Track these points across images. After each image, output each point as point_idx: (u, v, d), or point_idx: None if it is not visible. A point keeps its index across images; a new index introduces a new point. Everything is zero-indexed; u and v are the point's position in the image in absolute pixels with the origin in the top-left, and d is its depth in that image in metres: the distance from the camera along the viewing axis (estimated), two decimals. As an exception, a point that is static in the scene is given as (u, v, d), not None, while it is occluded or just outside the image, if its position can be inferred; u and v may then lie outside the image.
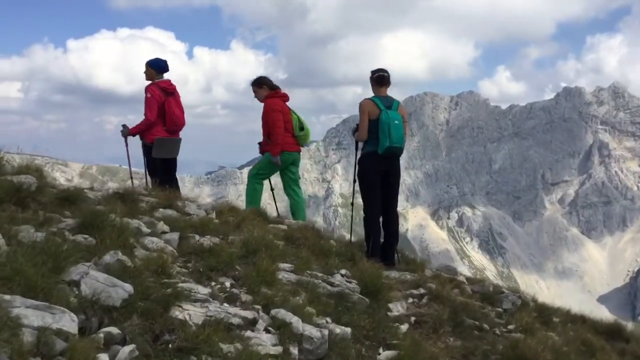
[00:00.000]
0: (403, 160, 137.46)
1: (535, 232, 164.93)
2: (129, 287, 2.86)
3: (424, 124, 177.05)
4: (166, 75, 8.70)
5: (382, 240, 7.42)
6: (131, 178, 9.27)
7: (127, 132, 8.69)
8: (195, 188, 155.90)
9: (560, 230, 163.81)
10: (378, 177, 7.39)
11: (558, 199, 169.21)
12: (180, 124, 8.68)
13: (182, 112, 8.75)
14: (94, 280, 2.82)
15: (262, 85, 8.79)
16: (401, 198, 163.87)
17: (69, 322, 2.36)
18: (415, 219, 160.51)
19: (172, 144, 8.73)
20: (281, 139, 8.81)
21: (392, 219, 7.61)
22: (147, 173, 8.88)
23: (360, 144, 7.70)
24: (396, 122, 7.12)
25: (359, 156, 7.63)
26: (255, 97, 8.85)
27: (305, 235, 5.89)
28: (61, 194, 4.34)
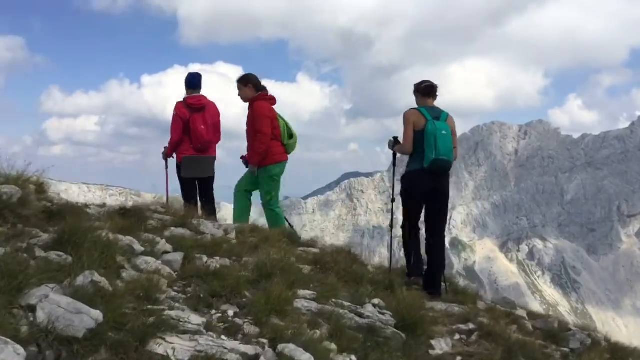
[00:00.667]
0: (470, 190, 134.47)
1: (611, 267, 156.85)
2: (97, 314, 2.37)
3: (491, 153, 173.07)
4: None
5: (425, 267, 6.87)
6: (167, 200, 8.70)
7: (165, 153, 8.49)
8: (260, 218, 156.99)
9: (638, 264, 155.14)
10: (423, 196, 6.75)
11: (635, 231, 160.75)
12: (205, 141, 8.13)
13: (210, 129, 8.21)
14: (54, 305, 2.32)
15: (247, 84, 7.98)
16: (468, 229, 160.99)
17: (11, 356, 1.92)
18: (483, 251, 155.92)
19: (202, 163, 8.31)
20: (266, 148, 7.84)
21: (438, 244, 6.97)
22: (182, 195, 8.53)
23: (403, 159, 7.09)
24: (444, 132, 6.48)
25: (402, 173, 6.99)
26: (239, 95, 8.02)
27: (336, 259, 5.22)
28: (50, 207, 3.88)
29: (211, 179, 8.63)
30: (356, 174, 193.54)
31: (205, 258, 3.96)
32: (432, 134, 6.44)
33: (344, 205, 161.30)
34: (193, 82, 8.35)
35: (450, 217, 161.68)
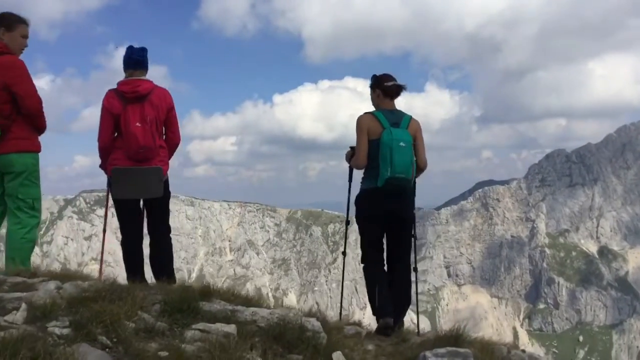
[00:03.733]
0: (618, 194, 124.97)
1: None
2: None
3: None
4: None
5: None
6: (101, 259, 6.80)
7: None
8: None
9: None
10: (380, 221, 5.79)
11: None
12: (140, 146, 5.56)
13: (150, 128, 5.62)
14: None
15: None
16: (618, 237, 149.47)
17: None
18: (636, 260, 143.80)
19: (138, 177, 5.69)
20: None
21: (401, 278, 5.93)
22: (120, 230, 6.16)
23: (358, 175, 6.00)
24: (401, 144, 5.49)
25: (357, 192, 5.96)
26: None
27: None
28: None
29: (160, 203, 6.03)
30: (490, 182, 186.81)
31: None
32: (387, 146, 5.48)
33: (478, 215, 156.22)
34: (133, 58, 5.80)
35: (598, 225, 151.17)
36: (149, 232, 6.13)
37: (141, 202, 5.99)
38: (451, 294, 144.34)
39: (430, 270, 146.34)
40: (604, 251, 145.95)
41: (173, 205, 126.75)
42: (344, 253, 6.77)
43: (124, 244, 6.13)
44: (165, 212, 6.19)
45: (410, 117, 5.86)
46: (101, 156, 5.94)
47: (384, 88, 5.86)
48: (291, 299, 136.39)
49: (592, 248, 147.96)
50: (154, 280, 5.58)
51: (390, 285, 5.79)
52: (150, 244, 6.12)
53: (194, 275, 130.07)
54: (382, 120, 5.64)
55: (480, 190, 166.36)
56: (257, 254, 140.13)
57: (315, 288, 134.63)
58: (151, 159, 5.71)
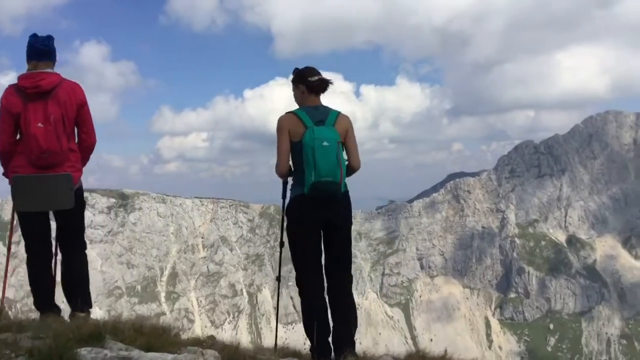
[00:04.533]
0: (585, 184, 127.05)
1: None
2: None
3: (607, 144, 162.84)
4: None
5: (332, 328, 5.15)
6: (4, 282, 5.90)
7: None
8: (365, 223, 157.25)
9: None
10: (313, 233, 5.15)
11: None
12: (43, 150, 4.82)
13: (55, 129, 4.86)
14: None
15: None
16: (586, 226, 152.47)
17: None
18: (603, 249, 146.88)
19: (41, 186, 4.93)
20: None
21: (341, 296, 5.29)
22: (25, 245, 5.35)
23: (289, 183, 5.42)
24: (325, 143, 4.92)
25: (286, 203, 5.35)
26: None
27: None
28: None
29: (73, 215, 5.29)
30: (461, 174, 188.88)
31: None
32: (309, 147, 4.90)
33: (450, 207, 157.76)
34: (35, 47, 5.03)
35: (566, 214, 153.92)
36: (61, 250, 5.53)
37: (51, 215, 5.24)
38: (424, 285, 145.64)
39: (403, 262, 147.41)
40: (572, 240, 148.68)
41: (144, 202, 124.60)
42: (277, 278, 6.14)
43: (30, 264, 5.41)
44: (80, 226, 5.55)
45: (339, 113, 5.31)
46: (1, 163, 5.11)
47: (308, 83, 5.33)
48: (265, 295, 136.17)
49: (560, 237, 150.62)
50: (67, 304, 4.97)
51: (332, 309, 5.18)
52: (62, 263, 5.52)
53: (166, 273, 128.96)
54: (304, 119, 5.09)
55: (451, 182, 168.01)
56: (231, 250, 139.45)
57: (290, 283, 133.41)
58: (58, 164, 4.96)
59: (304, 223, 5.13)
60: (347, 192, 5.30)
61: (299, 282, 5.23)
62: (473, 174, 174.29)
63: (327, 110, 5.31)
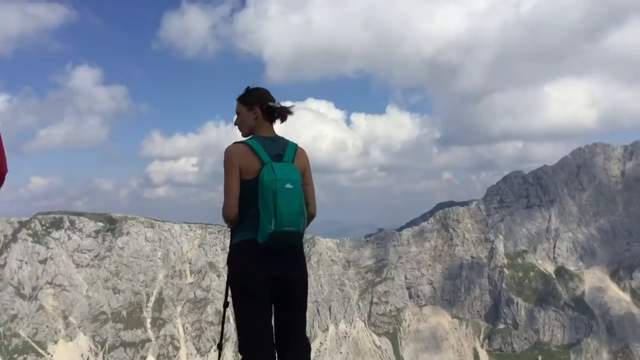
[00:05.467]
0: (574, 216, 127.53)
1: None
2: None
3: (595, 176, 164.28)
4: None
5: None
6: None
7: None
8: (354, 251, 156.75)
9: None
10: (263, 290, 4.28)
11: None
12: None
13: None
14: None
15: None
16: (574, 257, 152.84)
17: None
18: (591, 281, 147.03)
19: None
20: None
21: None
22: None
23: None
24: (288, 186, 4.16)
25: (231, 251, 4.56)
26: None
27: None
28: None
29: None
30: (450, 203, 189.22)
31: None
32: (269, 189, 4.11)
33: (439, 236, 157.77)
34: None
35: (555, 245, 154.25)
36: None
37: None
38: (412, 315, 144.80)
39: (391, 291, 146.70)
40: (560, 271, 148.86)
41: (132, 227, 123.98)
42: (219, 346, 5.48)
43: None
44: None
45: (297, 146, 4.57)
46: None
47: (269, 107, 4.63)
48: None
49: (549, 268, 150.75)
50: None
51: None
52: None
53: (152, 298, 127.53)
54: (259, 152, 4.31)
55: (440, 211, 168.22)
56: (218, 276, 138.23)
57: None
58: None
59: (254, 278, 4.25)
60: (302, 241, 4.62)
61: (243, 349, 4.35)
62: (462, 204, 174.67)
63: (284, 142, 4.54)
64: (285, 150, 4.44)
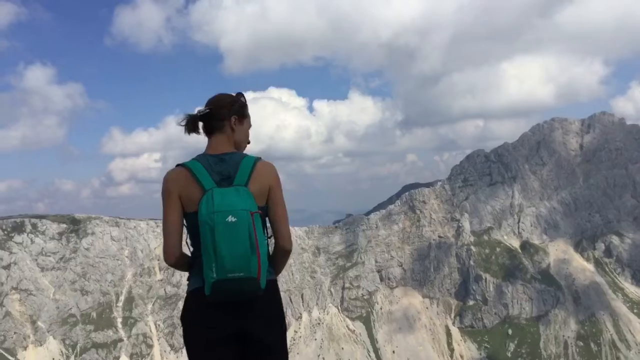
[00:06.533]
0: (536, 190, 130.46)
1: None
2: None
3: (555, 151, 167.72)
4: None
5: None
6: None
7: None
8: (323, 237, 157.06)
9: None
10: (221, 353, 3.60)
11: None
12: None
13: None
14: None
15: None
16: (538, 231, 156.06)
17: None
18: (556, 253, 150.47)
19: None
20: None
21: None
22: None
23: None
24: (230, 219, 3.35)
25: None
26: None
27: None
28: None
29: None
30: (416, 185, 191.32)
31: None
32: (206, 227, 3.40)
33: (406, 218, 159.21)
34: None
35: (519, 221, 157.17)
36: None
37: None
38: (384, 297, 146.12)
39: (363, 275, 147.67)
40: (526, 246, 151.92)
41: (97, 227, 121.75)
42: None
43: None
44: None
45: (255, 162, 3.69)
46: None
47: (191, 119, 3.94)
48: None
49: (515, 243, 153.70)
50: None
51: None
52: None
53: (122, 298, 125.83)
54: (201, 176, 3.55)
55: (406, 193, 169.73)
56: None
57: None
58: None
59: (206, 340, 3.54)
60: (272, 285, 3.74)
61: None
62: (427, 185, 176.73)
63: (237, 159, 3.69)
64: (236, 170, 3.57)
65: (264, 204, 3.67)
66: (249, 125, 4.06)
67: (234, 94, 4.03)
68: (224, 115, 3.90)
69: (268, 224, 3.80)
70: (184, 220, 3.78)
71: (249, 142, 4.07)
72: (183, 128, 3.94)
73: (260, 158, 3.73)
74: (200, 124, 3.93)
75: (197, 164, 3.60)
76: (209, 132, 3.87)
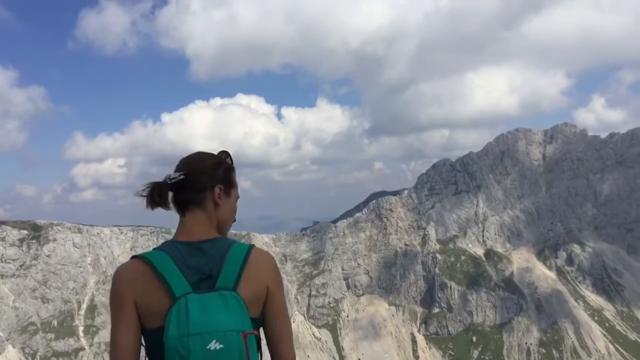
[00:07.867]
0: (500, 199, 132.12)
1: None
2: None
3: (518, 160, 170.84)
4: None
5: None
6: None
7: None
8: (290, 245, 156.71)
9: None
10: None
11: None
12: None
13: None
14: None
15: None
16: (502, 239, 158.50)
17: None
18: (519, 261, 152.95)
19: None
20: None
21: None
22: None
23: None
24: (213, 345, 2.37)
25: None
26: None
27: None
28: None
29: None
30: (383, 193, 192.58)
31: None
32: (176, 356, 2.37)
33: (373, 226, 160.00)
34: None
35: (484, 229, 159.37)
36: None
37: None
38: (350, 305, 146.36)
39: (329, 283, 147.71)
40: (490, 254, 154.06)
41: (59, 233, 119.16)
42: None
43: None
44: None
45: (248, 252, 2.71)
46: None
47: (161, 187, 2.91)
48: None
49: (479, 251, 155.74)
50: None
51: None
52: None
53: (84, 306, 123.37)
54: (168, 274, 2.54)
55: (373, 201, 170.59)
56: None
57: None
58: None
59: None
60: None
61: None
62: (394, 193, 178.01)
63: (222, 248, 2.67)
64: (221, 266, 2.54)
65: (259, 314, 2.68)
66: (237, 197, 3.05)
67: (216, 153, 3.09)
68: (204, 183, 2.91)
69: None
70: (142, 340, 2.61)
71: (234, 221, 3.06)
72: (145, 200, 2.90)
73: (254, 246, 2.72)
74: (170, 194, 2.94)
75: (164, 256, 2.59)
76: (182, 206, 2.84)
